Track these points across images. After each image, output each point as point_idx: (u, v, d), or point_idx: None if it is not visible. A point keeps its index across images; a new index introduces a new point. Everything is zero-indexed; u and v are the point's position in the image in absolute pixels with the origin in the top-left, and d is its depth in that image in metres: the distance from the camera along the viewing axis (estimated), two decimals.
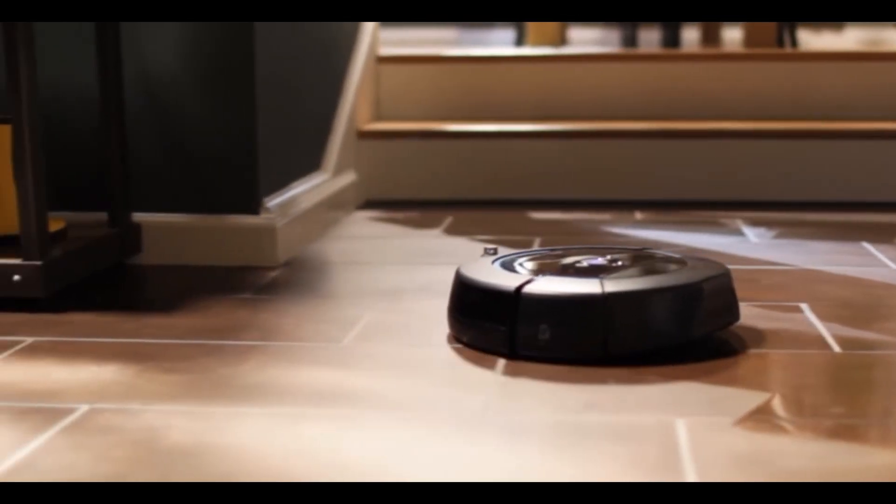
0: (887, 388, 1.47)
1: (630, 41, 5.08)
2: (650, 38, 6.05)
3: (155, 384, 1.51)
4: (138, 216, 2.27)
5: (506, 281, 1.64)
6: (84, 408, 1.42)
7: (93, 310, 1.91)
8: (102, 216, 2.29)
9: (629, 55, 3.34)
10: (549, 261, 1.76)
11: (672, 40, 4.97)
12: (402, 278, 2.12)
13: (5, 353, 1.66)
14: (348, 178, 2.90)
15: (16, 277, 1.88)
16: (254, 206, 2.25)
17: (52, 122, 2.28)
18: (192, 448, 1.28)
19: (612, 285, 1.58)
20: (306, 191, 2.51)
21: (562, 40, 5.06)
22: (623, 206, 2.97)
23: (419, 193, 3.10)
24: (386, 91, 3.34)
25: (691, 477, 1.18)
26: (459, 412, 1.39)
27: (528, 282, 1.62)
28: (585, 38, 6.21)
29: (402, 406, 1.41)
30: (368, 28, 3.21)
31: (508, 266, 1.73)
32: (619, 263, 1.72)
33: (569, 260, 1.76)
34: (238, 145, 2.23)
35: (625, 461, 1.22)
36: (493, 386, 1.49)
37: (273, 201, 2.32)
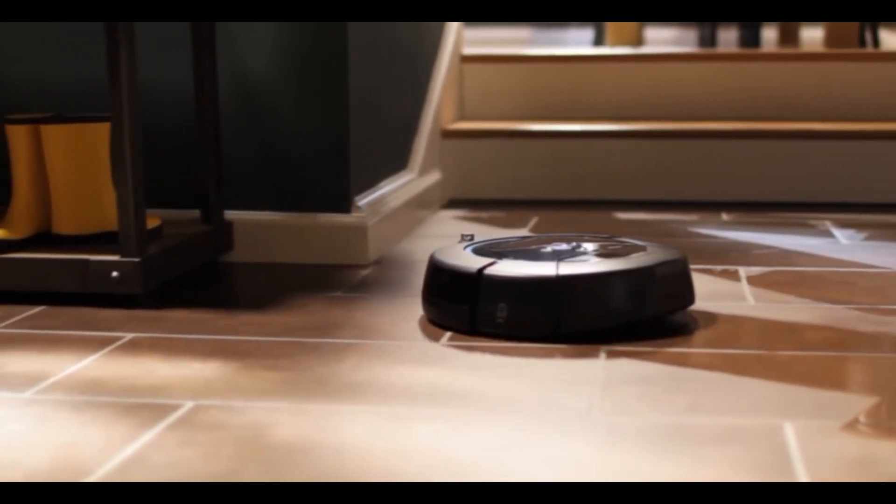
0: None
1: (709, 41, 5.05)
2: (728, 37, 6.01)
3: (257, 381, 1.52)
4: (230, 214, 2.29)
5: (470, 263, 1.75)
6: (189, 404, 1.43)
7: (188, 307, 1.93)
8: (195, 214, 2.31)
9: (710, 55, 3.32)
10: (518, 247, 1.87)
11: (751, 40, 4.94)
12: None
13: (107, 349, 1.68)
14: (433, 177, 2.90)
15: (114, 274, 1.90)
16: (345, 205, 2.26)
17: (147, 120, 2.30)
18: (298, 445, 1.28)
19: (566, 268, 1.69)
20: (394, 190, 2.52)
21: (639, 40, 5.04)
22: (709, 206, 2.95)
23: (502, 193, 3.10)
24: (469, 90, 3.34)
25: (803, 479, 1.17)
26: (564, 411, 1.39)
27: (489, 264, 1.73)
28: (661, 38, 6.18)
29: (507, 405, 1.41)
30: (453, 28, 3.22)
31: (481, 251, 1.84)
32: (582, 249, 1.83)
33: (536, 246, 1.86)
34: (331, 144, 2.25)
35: (733, 464, 1.22)
36: (594, 385, 1.49)
37: (364, 200, 2.33)
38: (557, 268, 1.70)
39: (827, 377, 1.52)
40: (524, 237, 1.95)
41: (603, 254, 1.79)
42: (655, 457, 1.24)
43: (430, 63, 2.99)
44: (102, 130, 2.01)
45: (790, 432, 1.31)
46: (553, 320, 1.68)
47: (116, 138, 1.87)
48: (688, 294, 1.78)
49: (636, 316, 1.71)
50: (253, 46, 2.24)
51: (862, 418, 1.36)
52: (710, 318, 1.82)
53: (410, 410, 1.40)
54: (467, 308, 1.72)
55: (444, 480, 1.17)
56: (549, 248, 1.84)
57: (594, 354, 1.63)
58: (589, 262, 1.73)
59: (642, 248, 1.83)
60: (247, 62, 2.25)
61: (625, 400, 1.43)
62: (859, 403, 1.41)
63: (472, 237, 1.94)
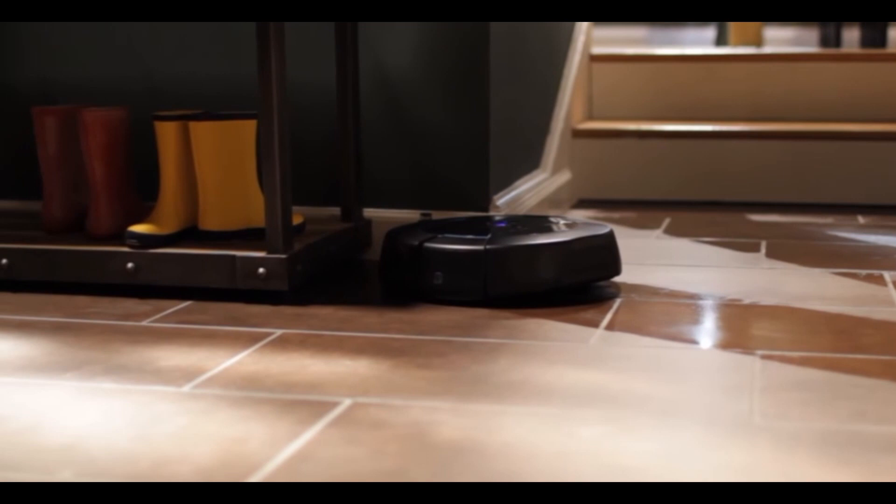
0: None
1: (833, 40, 4.98)
2: (851, 36, 5.91)
3: (412, 380, 1.52)
4: (369, 212, 2.30)
5: (411, 239, 1.97)
6: (347, 401, 1.43)
7: (334, 303, 1.94)
8: (335, 211, 2.32)
9: (837, 55, 3.27)
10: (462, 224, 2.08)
11: (877, 40, 4.85)
12: (633, 279, 2.11)
13: (258, 344, 1.69)
14: (564, 176, 2.89)
15: (261, 270, 1.92)
16: (484, 204, 2.26)
17: (290, 118, 2.32)
18: (463, 445, 1.28)
19: (493, 243, 1.91)
20: (529, 189, 2.51)
21: (761, 39, 4.98)
22: (844, 209, 2.90)
23: (632, 193, 3.08)
24: (597, 89, 3.33)
25: None
26: (724, 415, 1.37)
27: (428, 238, 1.95)
28: (781, 38, 6.11)
29: (666, 408, 1.40)
30: (583, 27, 3.20)
31: (432, 228, 2.03)
32: (518, 227, 2.02)
33: (481, 223, 2.07)
34: (471, 144, 2.24)
35: None
36: (752, 390, 1.47)
37: (501, 199, 2.32)
38: (485, 243, 1.92)
39: None
40: (472, 217, 2.14)
41: (536, 231, 1.98)
42: (824, 464, 1.22)
43: (561, 62, 2.98)
44: (249, 127, 2.03)
45: None
46: (481, 287, 1.91)
47: (266, 135, 1.89)
48: (611, 265, 1.99)
49: (556, 284, 1.92)
50: (394, 46, 2.25)
51: None
52: (863, 324, 1.79)
53: (570, 412, 1.39)
54: (411, 277, 1.95)
55: (623, 480, 1.16)
56: (489, 225, 2.04)
57: (749, 358, 1.61)
58: (515, 237, 1.93)
59: (572, 225, 2.04)
60: (388, 62, 2.25)
61: (786, 406, 1.41)
62: None
63: (429, 215, 2.25)
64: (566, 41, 3.04)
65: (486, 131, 2.24)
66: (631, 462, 1.23)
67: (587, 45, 3.26)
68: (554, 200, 2.71)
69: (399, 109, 2.27)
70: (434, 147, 2.26)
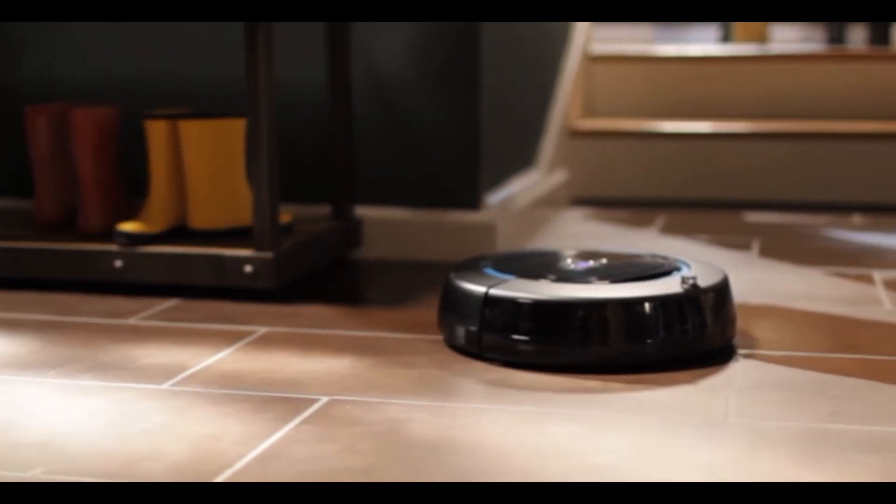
0: None
1: (837, 39, 4.96)
2: (856, 36, 5.89)
3: (391, 378, 1.52)
4: (361, 210, 2.30)
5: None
6: (324, 399, 1.44)
7: (320, 302, 1.94)
8: (326, 210, 2.32)
9: (837, 55, 3.26)
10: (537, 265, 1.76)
11: (881, 38, 4.84)
12: None
13: (241, 342, 1.69)
14: (560, 175, 2.89)
15: (248, 268, 1.92)
16: (475, 203, 2.26)
17: (281, 117, 2.32)
18: (435, 443, 1.28)
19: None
20: (522, 188, 2.51)
21: (766, 37, 4.97)
22: (840, 209, 2.90)
23: (629, 192, 3.07)
24: (597, 89, 3.32)
25: None
26: (699, 413, 1.37)
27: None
28: (787, 36, 6.09)
29: (642, 407, 1.40)
30: (582, 27, 3.20)
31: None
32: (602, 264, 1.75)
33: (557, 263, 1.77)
34: (462, 142, 2.25)
35: (878, 472, 1.19)
36: (729, 390, 1.47)
37: (493, 198, 2.32)
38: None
39: None
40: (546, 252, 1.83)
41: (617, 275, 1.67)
42: (795, 463, 1.22)
43: (557, 62, 2.98)
44: (238, 127, 2.04)
45: None
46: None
47: (253, 135, 1.89)
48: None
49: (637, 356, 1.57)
50: (387, 45, 2.25)
51: None
52: (848, 323, 1.79)
53: (546, 411, 1.39)
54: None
55: (592, 480, 1.17)
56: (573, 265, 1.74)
57: (727, 358, 1.61)
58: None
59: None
60: (380, 60, 2.26)
61: (763, 405, 1.41)
62: None
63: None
64: (563, 41, 3.04)
65: (476, 130, 2.24)
66: (601, 460, 1.23)
67: (586, 45, 3.26)
68: (549, 199, 2.71)
69: (390, 108, 2.27)
70: (425, 145, 2.27)
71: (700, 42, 5.28)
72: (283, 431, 1.32)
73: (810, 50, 3.34)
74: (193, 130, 2.01)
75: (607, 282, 1.63)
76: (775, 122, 3.19)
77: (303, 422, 1.36)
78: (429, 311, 1.88)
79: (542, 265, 1.74)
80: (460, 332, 1.62)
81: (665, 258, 1.78)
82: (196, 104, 2.34)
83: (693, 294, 1.58)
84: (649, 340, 1.55)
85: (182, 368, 1.57)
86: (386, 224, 2.28)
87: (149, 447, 1.28)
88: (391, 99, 2.27)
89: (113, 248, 1.99)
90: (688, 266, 1.73)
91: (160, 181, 2.05)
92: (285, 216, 2.10)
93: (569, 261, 1.76)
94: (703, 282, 1.63)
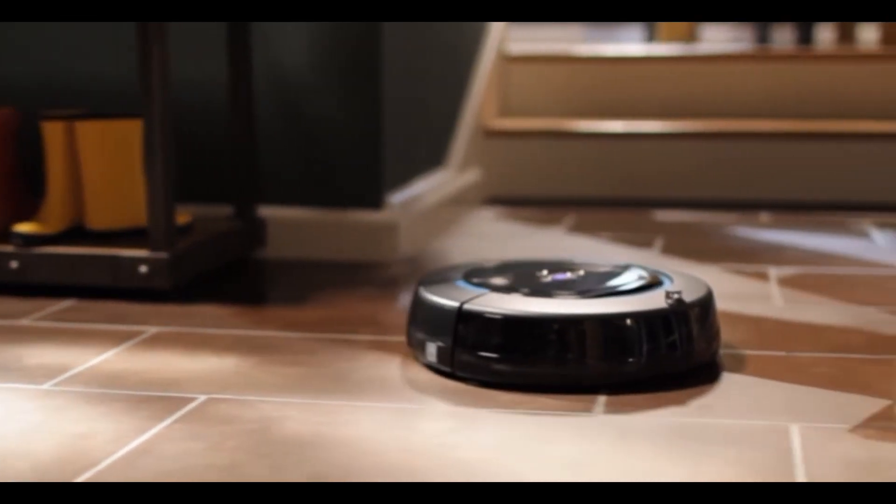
0: None
1: (762, 39, 5.02)
2: (784, 36, 5.95)
3: (273, 376, 1.53)
4: (264, 210, 2.31)
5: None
6: (202, 398, 1.44)
7: (217, 302, 1.94)
8: (228, 209, 2.33)
9: (758, 55, 3.30)
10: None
11: (806, 38, 4.89)
12: None
13: (130, 343, 1.70)
14: (473, 175, 2.91)
15: (143, 269, 1.93)
16: (377, 202, 2.27)
17: (183, 117, 2.32)
18: (305, 440, 1.29)
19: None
20: (430, 187, 2.53)
21: (693, 36, 5.01)
22: (750, 207, 2.93)
23: (543, 191, 3.10)
24: (515, 89, 3.34)
25: (802, 479, 1.16)
26: (571, 409, 1.39)
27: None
28: (718, 34, 6.13)
29: (518, 402, 1.42)
30: (497, 28, 3.22)
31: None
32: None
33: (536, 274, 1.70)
34: (363, 142, 2.26)
35: (735, 465, 1.21)
36: (601, 386, 1.49)
37: (396, 197, 2.33)
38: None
39: (845, 380, 1.51)
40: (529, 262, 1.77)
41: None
42: (660, 457, 1.24)
43: (471, 62, 2.99)
44: (135, 127, 2.04)
45: (796, 435, 1.30)
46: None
47: (147, 135, 1.89)
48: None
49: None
50: (288, 43, 2.26)
51: (871, 421, 1.35)
52: (734, 319, 1.82)
53: (423, 408, 1.41)
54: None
55: (452, 479, 1.18)
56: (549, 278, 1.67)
57: None
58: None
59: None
60: (282, 59, 2.26)
61: (634, 401, 1.43)
62: (873, 406, 1.40)
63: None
64: (477, 42, 3.06)
65: (378, 130, 2.25)
66: (469, 456, 1.25)
67: (501, 45, 3.28)
68: (460, 199, 2.73)
69: (293, 107, 2.28)
70: (328, 145, 2.28)
71: (630, 42, 5.32)
72: (154, 430, 1.33)
73: (732, 50, 3.38)
74: (90, 131, 2.01)
75: (589, 296, 1.55)
76: (690, 121, 3.23)
77: (176, 420, 1.36)
78: (324, 310, 1.89)
79: (518, 277, 1.67)
80: (431, 349, 1.55)
81: (646, 270, 1.71)
82: (94, 104, 2.34)
83: (679, 309, 1.53)
84: (631, 359, 1.48)
85: (66, 369, 1.57)
86: (289, 224, 2.29)
87: (19, 446, 1.28)
88: (294, 98, 2.27)
89: (9, 248, 1.98)
90: (670, 279, 1.67)
91: (57, 182, 2.05)
92: (184, 216, 2.10)
93: (545, 272, 1.70)
94: (689, 296, 1.56)
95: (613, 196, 3.07)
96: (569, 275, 1.68)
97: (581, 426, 1.34)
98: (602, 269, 1.72)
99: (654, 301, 1.54)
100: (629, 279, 1.65)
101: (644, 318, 1.50)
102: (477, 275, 1.68)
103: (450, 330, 1.53)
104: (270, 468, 1.21)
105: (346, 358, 1.62)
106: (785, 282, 2.07)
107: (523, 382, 1.49)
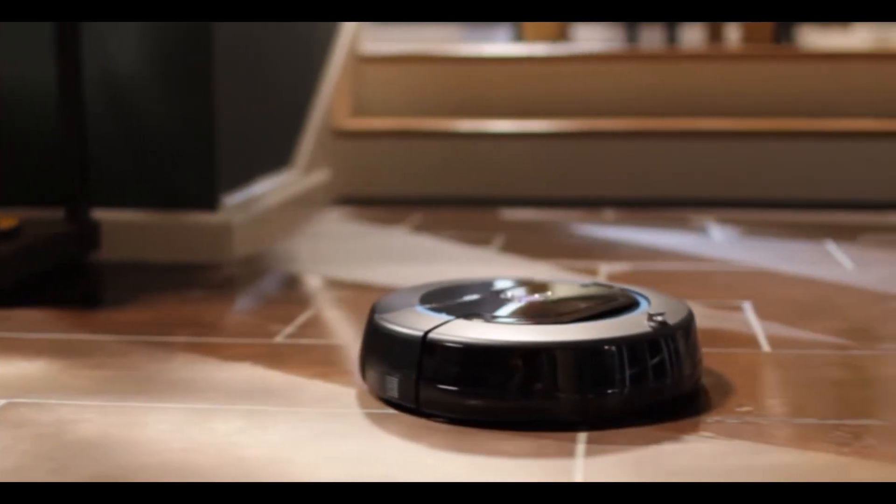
0: (804, 387, 1.47)
1: (630, 38, 5.08)
2: (653, 35, 6.03)
3: (79, 380, 1.52)
4: (98, 213, 2.29)
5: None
6: (1, 402, 1.43)
7: (40, 306, 1.92)
8: (60, 213, 2.30)
9: (621, 55, 3.34)
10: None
11: (673, 38, 4.96)
12: (364, 275, 2.13)
13: None
14: (321, 175, 2.91)
15: None
16: (211, 203, 2.27)
17: (13, 119, 2.29)
18: (96, 442, 1.29)
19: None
20: (272, 188, 2.52)
21: (562, 35, 5.05)
22: (596, 204, 2.97)
23: (393, 191, 3.11)
24: (371, 89, 3.35)
25: (579, 478, 1.19)
26: (371, 405, 1.40)
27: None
28: (588, 32, 6.19)
29: (320, 398, 1.42)
30: (349, 27, 3.22)
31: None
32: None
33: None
34: (196, 142, 2.25)
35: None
36: None
37: (232, 198, 2.33)
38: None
39: None
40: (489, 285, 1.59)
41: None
42: (445, 454, 1.25)
43: (321, 61, 2.99)
44: None
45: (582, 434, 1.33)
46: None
47: None
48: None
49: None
50: (120, 42, 2.24)
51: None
52: None
53: (222, 407, 1.41)
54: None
55: (235, 478, 1.18)
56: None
57: None
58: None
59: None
60: (113, 58, 2.25)
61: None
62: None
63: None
64: (328, 42, 3.06)
65: (211, 130, 2.24)
66: (252, 454, 1.25)
67: (354, 45, 3.28)
68: (306, 199, 2.73)
69: (125, 108, 2.26)
70: (161, 146, 2.26)
71: (504, 40, 5.35)
72: None
73: (589, 51, 3.43)
74: None
75: (565, 321, 1.41)
76: (540, 120, 3.25)
77: None
78: (147, 312, 1.88)
79: (485, 301, 1.50)
80: (392, 383, 1.40)
81: (620, 289, 1.56)
82: None
83: (664, 333, 1.39)
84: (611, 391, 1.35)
85: None
86: (123, 226, 2.27)
87: None
88: (125, 99, 2.26)
89: None
90: (647, 299, 1.51)
91: None
92: (10, 220, 2.08)
93: (510, 294, 1.53)
94: (671, 319, 1.42)
95: (463, 195, 3.09)
96: (537, 297, 1.53)
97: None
98: (572, 289, 1.58)
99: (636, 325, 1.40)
100: (601, 300, 1.50)
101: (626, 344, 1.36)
102: (435, 299, 1.52)
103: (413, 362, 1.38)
104: (54, 470, 1.20)
105: (158, 360, 1.61)
106: (613, 277, 2.10)
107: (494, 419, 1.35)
